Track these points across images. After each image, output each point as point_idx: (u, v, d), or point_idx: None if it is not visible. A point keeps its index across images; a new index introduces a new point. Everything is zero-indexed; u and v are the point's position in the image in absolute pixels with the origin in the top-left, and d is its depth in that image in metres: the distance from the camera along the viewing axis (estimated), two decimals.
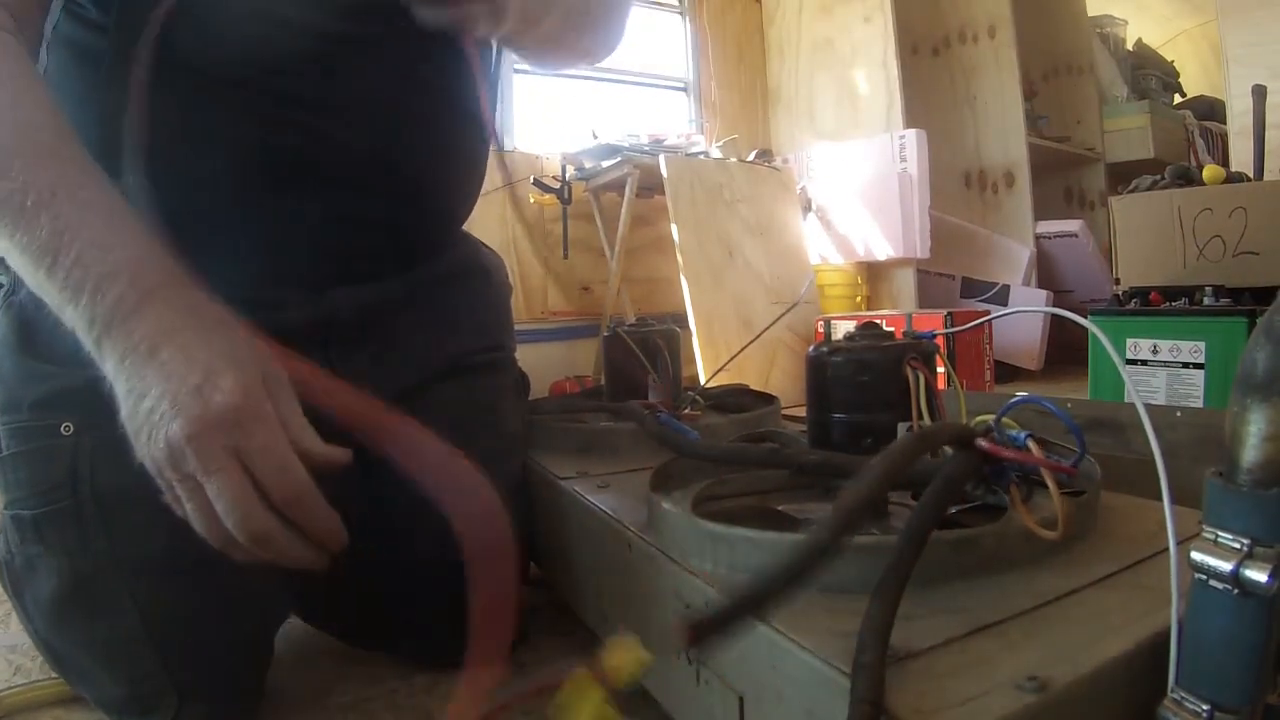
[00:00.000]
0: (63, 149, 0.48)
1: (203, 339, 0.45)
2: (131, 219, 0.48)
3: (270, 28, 0.58)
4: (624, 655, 0.25)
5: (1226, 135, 2.40)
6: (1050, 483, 0.42)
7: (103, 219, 0.47)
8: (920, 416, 0.53)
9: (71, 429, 0.54)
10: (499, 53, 0.76)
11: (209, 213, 0.60)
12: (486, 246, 0.88)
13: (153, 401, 0.43)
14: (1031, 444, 0.43)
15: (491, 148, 0.77)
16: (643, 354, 0.90)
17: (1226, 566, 0.27)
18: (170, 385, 0.43)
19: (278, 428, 0.45)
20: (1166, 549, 0.31)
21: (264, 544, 0.44)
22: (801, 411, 0.68)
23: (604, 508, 0.57)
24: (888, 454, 0.36)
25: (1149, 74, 3.05)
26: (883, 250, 2.22)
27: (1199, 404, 1.26)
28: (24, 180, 0.45)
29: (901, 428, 0.54)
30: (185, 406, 0.42)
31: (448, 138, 0.71)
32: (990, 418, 0.45)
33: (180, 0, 0.54)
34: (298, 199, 0.62)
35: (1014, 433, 0.44)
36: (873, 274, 2.36)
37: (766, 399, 0.91)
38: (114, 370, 0.44)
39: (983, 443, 0.42)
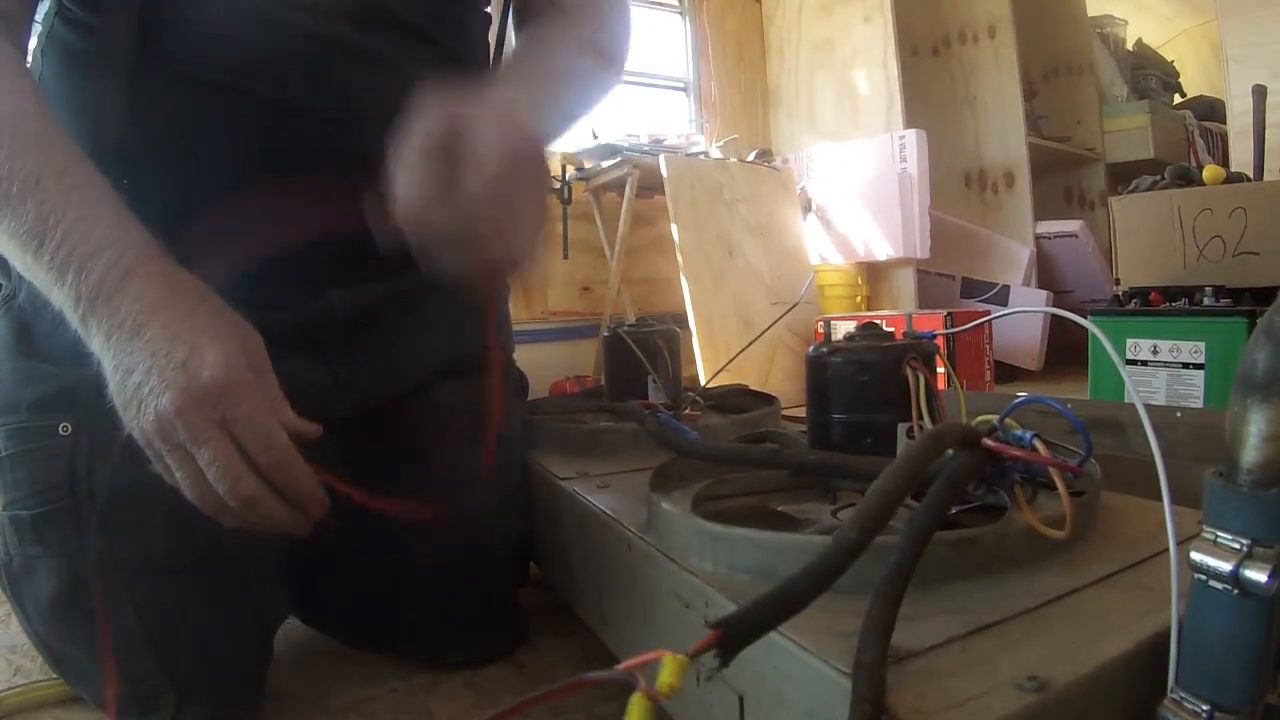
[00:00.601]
0: (47, 137, 0.49)
1: (185, 314, 0.46)
2: (114, 200, 0.49)
3: (266, 31, 0.58)
4: (674, 670, 0.25)
5: (1226, 135, 2.39)
6: (1059, 482, 0.42)
7: (86, 202, 0.48)
8: (920, 417, 0.53)
9: (70, 429, 0.54)
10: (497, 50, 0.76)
11: (206, 214, 0.60)
12: None
13: (140, 376, 0.44)
14: (1038, 443, 0.43)
15: None
16: (643, 354, 0.90)
17: (1226, 567, 0.27)
18: (157, 361, 0.44)
19: (260, 398, 0.46)
20: (1166, 549, 0.31)
21: (252, 509, 0.46)
22: (801, 411, 0.68)
23: (604, 508, 0.57)
24: (906, 456, 0.36)
25: (1149, 74, 3.05)
26: (883, 250, 2.22)
27: (1199, 404, 1.26)
28: (9, 167, 0.46)
29: (901, 428, 0.54)
30: (172, 381, 0.44)
31: None
32: (993, 418, 0.45)
33: None
34: (295, 200, 0.62)
35: (1019, 433, 0.44)
36: (873, 274, 2.36)
37: (766, 399, 0.91)
38: (101, 346, 0.46)
39: (989, 442, 0.42)
